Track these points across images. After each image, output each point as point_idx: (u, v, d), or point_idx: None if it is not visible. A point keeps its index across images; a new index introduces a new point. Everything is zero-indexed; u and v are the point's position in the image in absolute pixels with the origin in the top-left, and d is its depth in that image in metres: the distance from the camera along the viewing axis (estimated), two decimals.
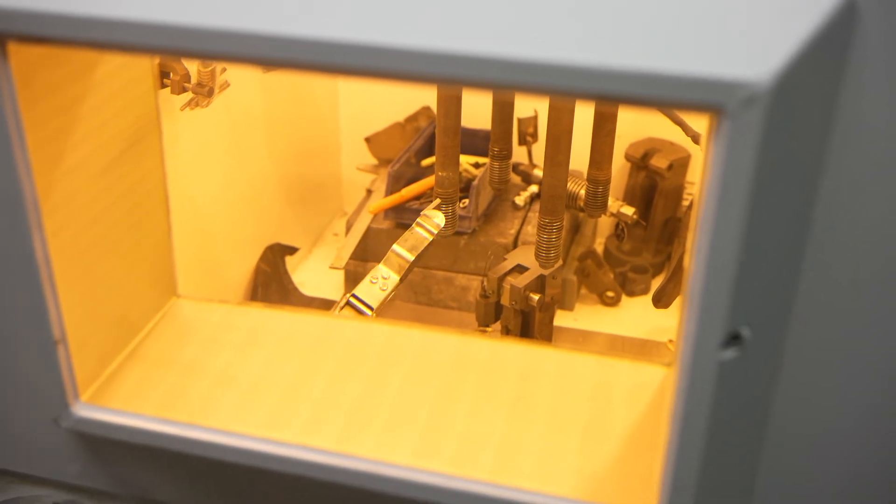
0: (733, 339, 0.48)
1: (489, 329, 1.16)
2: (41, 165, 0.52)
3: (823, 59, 0.44)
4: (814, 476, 0.53)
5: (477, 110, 1.25)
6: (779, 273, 0.48)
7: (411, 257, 1.04)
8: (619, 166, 1.42)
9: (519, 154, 1.42)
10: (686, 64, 0.43)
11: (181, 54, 0.56)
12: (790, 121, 0.44)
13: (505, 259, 1.14)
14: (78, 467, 0.69)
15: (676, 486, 0.51)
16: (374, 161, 1.49)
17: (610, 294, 1.39)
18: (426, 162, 1.38)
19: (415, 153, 1.38)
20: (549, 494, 0.55)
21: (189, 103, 1.02)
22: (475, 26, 0.46)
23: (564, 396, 0.60)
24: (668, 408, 0.51)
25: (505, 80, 0.44)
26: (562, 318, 1.37)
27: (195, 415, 0.59)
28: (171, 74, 0.97)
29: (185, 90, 0.99)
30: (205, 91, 0.99)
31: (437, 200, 1.05)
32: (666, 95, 0.43)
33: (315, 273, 1.44)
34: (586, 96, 0.45)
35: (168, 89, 0.98)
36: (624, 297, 1.41)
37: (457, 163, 1.04)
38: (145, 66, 0.58)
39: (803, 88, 0.43)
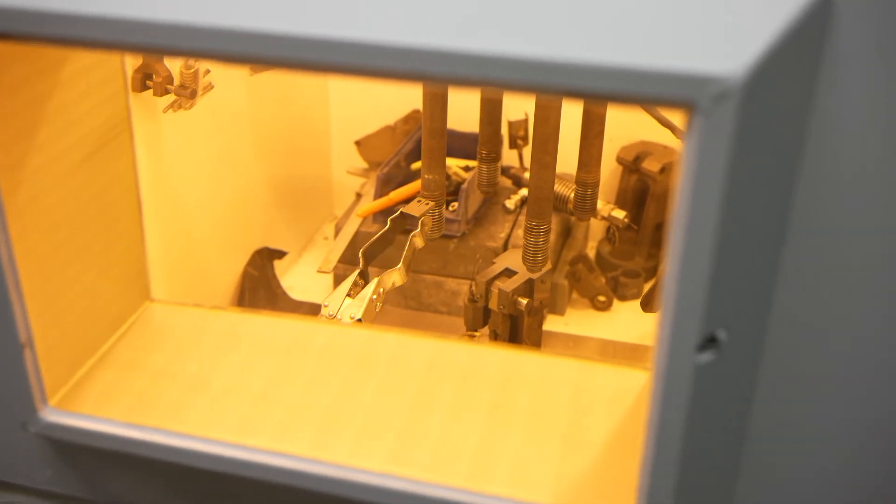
0: (709, 341, 0.47)
1: (477, 334, 1.15)
2: (6, 165, 0.51)
3: (798, 54, 0.43)
4: (794, 482, 0.52)
5: (466, 112, 1.24)
6: (755, 274, 0.47)
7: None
8: (610, 169, 1.41)
9: (510, 157, 1.41)
10: (657, 58, 0.42)
11: (151, 51, 0.55)
12: (764, 117, 0.43)
13: (493, 263, 1.13)
14: (50, 473, 0.68)
15: (653, 493, 0.50)
16: (365, 164, 1.48)
17: (601, 298, 1.38)
18: (416, 165, 1.37)
19: (405, 156, 1.37)
20: (526, 502, 0.54)
21: (172, 105, 1.01)
22: (440, 20, 0.45)
23: (544, 402, 0.58)
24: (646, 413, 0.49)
25: (469, 75, 0.43)
26: (552, 323, 1.36)
27: (166, 420, 0.58)
28: (154, 76, 0.96)
29: (167, 92, 0.98)
30: (187, 93, 0.98)
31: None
32: (636, 91, 0.42)
33: (304, 277, 1.43)
34: (554, 91, 0.44)
35: (150, 91, 0.97)
36: (616, 302, 1.40)
37: (443, 165, 1.02)
38: (116, 66, 0.57)
39: (777, 84, 0.42)
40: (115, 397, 0.59)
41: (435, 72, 0.45)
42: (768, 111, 0.43)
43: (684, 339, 0.47)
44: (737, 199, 0.44)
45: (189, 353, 0.61)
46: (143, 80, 0.96)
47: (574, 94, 0.44)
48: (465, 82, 0.46)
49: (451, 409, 0.58)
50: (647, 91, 0.42)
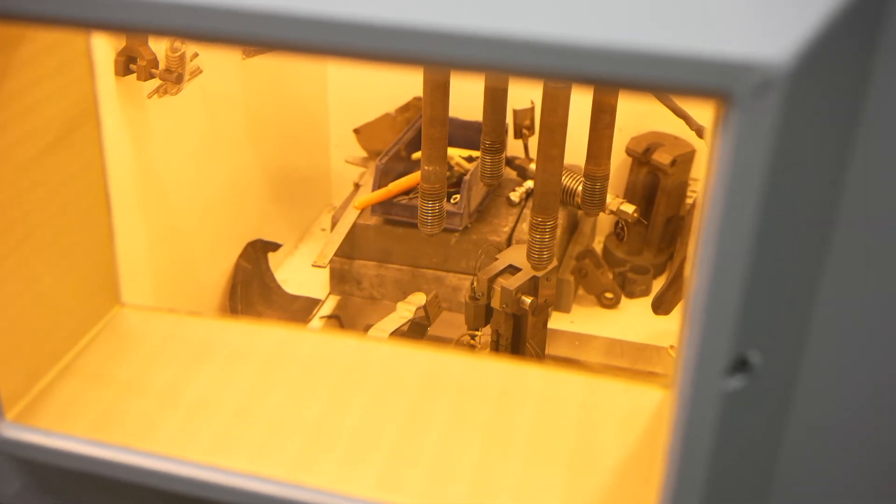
0: (740, 364, 0.42)
1: (479, 333, 1.10)
2: None
3: (850, 39, 0.37)
4: None
5: (470, 100, 1.18)
6: (794, 289, 0.41)
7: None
8: (619, 161, 1.36)
9: (515, 148, 1.36)
10: (688, 42, 0.36)
11: (124, 29, 0.50)
12: (810, 110, 0.37)
13: (496, 259, 1.07)
14: (18, 486, 0.62)
15: None
16: (364, 153, 1.43)
17: (608, 295, 1.33)
18: (417, 155, 1.32)
19: (405, 146, 1.31)
20: None
21: (157, 90, 0.95)
22: (457, 1, 0.39)
23: (548, 422, 0.53)
24: (665, 440, 0.44)
25: (489, 59, 0.38)
26: (557, 321, 1.31)
27: (133, 437, 0.53)
28: (138, 59, 0.91)
29: (152, 76, 0.92)
30: (173, 77, 0.92)
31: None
32: (662, 78, 0.36)
33: (300, 270, 1.38)
34: (567, 78, 0.38)
35: (134, 75, 0.92)
36: (623, 299, 1.35)
37: (444, 156, 0.97)
38: (80, 47, 0.51)
39: (826, 72, 0.36)
40: (79, 411, 0.54)
41: (437, 54, 0.39)
42: (816, 105, 0.37)
43: (712, 361, 0.41)
44: (776, 204, 0.38)
45: (161, 364, 0.56)
46: (127, 64, 0.91)
47: (589, 80, 0.38)
48: (472, 67, 0.40)
49: (447, 429, 0.53)
50: (675, 79, 0.37)
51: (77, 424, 0.54)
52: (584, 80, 0.38)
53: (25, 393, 0.54)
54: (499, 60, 0.39)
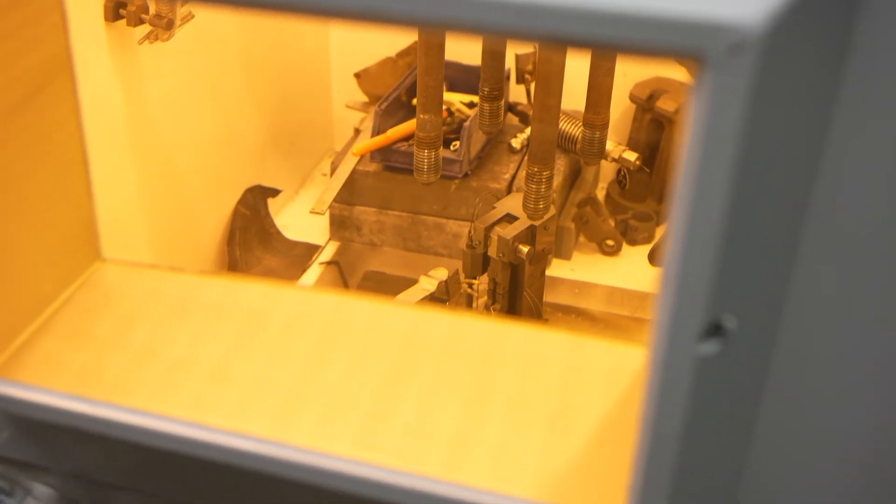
0: (715, 329, 0.41)
1: (476, 281, 1.09)
2: None
3: (829, 1, 0.35)
4: (803, 485, 0.46)
5: (472, 44, 1.16)
6: (770, 254, 0.40)
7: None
8: (623, 108, 1.34)
9: (517, 93, 1.34)
10: (663, 3, 0.35)
11: None
12: (787, 73, 0.36)
13: (494, 207, 1.06)
14: (4, 437, 0.63)
15: (646, 496, 0.44)
16: (365, 98, 1.41)
17: (610, 243, 1.32)
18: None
19: (405, 91, 1.29)
20: (505, 495, 0.48)
21: (148, 37, 0.93)
22: None
23: (530, 382, 0.53)
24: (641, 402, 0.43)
25: (457, 18, 0.36)
26: (558, 268, 1.30)
27: (113, 393, 0.53)
28: (128, 5, 0.89)
29: (142, 22, 0.91)
30: (163, 23, 0.91)
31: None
32: (636, 39, 0.35)
33: (301, 216, 1.37)
34: (544, 38, 0.37)
35: (124, 21, 0.90)
36: (625, 246, 1.34)
37: (440, 105, 0.95)
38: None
39: (804, 35, 0.35)
40: (59, 366, 0.54)
41: (412, 14, 0.38)
42: (793, 67, 0.36)
43: (685, 325, 0.41)
44: (751, 167, 0.37)
45: (141, 319, 0.55)
46: (116, 9, 0.89)
47: (562, 41, 0.37)
48: (439, 24, 0.39)
49: (427, 389, 0.52)
50: (650, 40, 0.35)
51: (58, 379, 0.54)
52: (557, 41, 0.37)
53: (6, 348, 0.54)
54: (468, 20, 0.38)
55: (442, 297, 1.09)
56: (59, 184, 0.54)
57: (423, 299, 1.06)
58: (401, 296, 1.11)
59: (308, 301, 0.57)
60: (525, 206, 0.95)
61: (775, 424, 0.44)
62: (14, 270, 0.52)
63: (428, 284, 1.05)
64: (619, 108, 1.33)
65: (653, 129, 1.30)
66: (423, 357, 0.54)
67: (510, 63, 1.25)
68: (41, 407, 0.54)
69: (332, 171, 1.26)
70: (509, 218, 1.04)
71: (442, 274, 1.06)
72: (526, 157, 1.27)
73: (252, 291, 0.56)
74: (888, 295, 0.40)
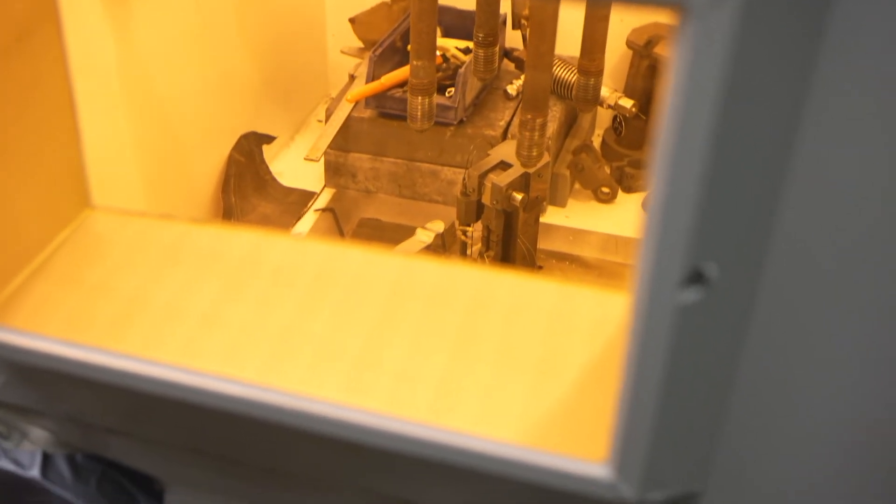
0: (696, 277, 0.41)
1: (470, 229, 1.10)
2: None
3: None
4: (783, 433, 0.47)
5: None
6: (753, 204, 0.41)
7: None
8: (620, 54, 1.33)
9: (513, 38, 1.33)
10: None
11: None
12: (772, 23, 0.35)
13: (488, 155, 1.06)
14: (1, 381, 0.63)
15: (627, 441, 0.45)
16: (360, 44, 1.40)
17: (605, 190, 1.32)
18: None
19: (400, 36, 1.28)
20: (490, 439, 0.49)
21: None
22: None
23: (517, 329, 0.53)
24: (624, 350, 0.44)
25: None
26: (553, 216, 1.30)
27: (104, 339, 0.53)
28: None
29: None
30: None
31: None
32: None
33: (296, 162, 1.37)
34: None
35: None
36: (620, 193, 1.34)
37: (433, 51, 0.95)
38: None
39: None
40: (51, 312, 0.54)
41: None
42: (778, 18, 0.36)
43: (667, 272, 0.41)
44: (734, 117, 0.37)
45: (131, 267, 0.56)
46: None
47: None
48: None
49: (417, 335, 0.53)
50: None
51: (50, 325, 0.54)
52: None
53: None
54: None
55: (439, 250, 1.10)
56: (47, 132, 0.54)
57: (419, 252, 1.07)
58: (397, 248, 1.11)
59: (298, 249, 0.57)
60: (518, 154, 0.95)
61: (756, 373, 0.45)
62: (4, 218, 0.53)
63: (425, 237, 1.05)
64: (617, 54, 1.32)
65: (650, 75, 1.29)
66: (412, 304, 0.54)
67: (506, 8, 1.24)
68: (34, 353, 0.54)
69: (327, 117, 1.26)
70: (503, 165, 1.04)
71: (438, 227, 1.07)
72: (521, 104, 1.27)
73: (242, 239, 0.57)
74: (867, 246, 0.41)
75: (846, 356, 0.43)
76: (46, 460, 0.64)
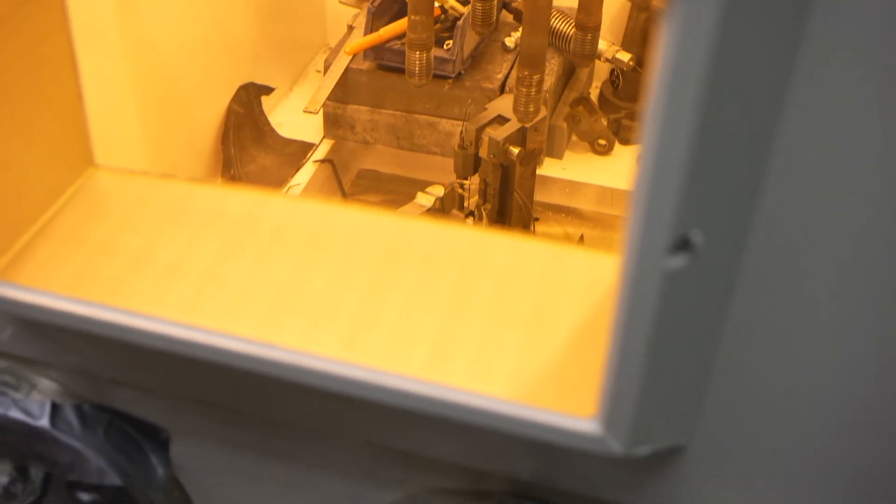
0: (683, 244, 0.43)
1: (468, 182, 1.11)
2: None
3: None
4: (767, 390, 0.49)
5: None
6: (738, 172, 0.42)
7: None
8: (618, 6, 1.33)
9: None
10: None
11: None
12: None
13: (486, 108, 1.07)
14: (9, 333, 0.65)
15: (615, 398, 0.47)
16: None
17: (602, 142, 1.33)
18: None
19: None
20: (483, 395, 0.51)
21: None
22: None
23: (509, 289, 0.55)
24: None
25: None
26: (550, 167, 1.31)
27: (109, 295, 0.55)
28: None
29: None
30: None
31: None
32: None
33: (295, 114, 1.38)
34: None
35: None
36: (617, 146, 1.34)
37: (431, 5, 0.95)
38: None
39: None
40: (57, 270, 0.56)
41: None
42: None
43: (654, 238, 0.43)
44: (721, 89, 0.39)
45: (134, 226, 0.57)
46: None
47: None
48: None
49: (411, 294, 0.54)
50: None
51: (56, 282, 0.56)
52: None
53: (6, 252, 0.56)
54: None
55: (438, 213, 1.11)
56: (51, 92, 0.55)
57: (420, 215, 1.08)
58: (399, 211, 1.12)
59: (296, 209, 0.58)
60: (515, 110, 0.96)
61: (739, 334, 0.46)
62: (9, 179, 0.54)
63: (425, 200, 1.06)
64: (615, 6, 1.32)
65: (648, 28, 1.29)
66: (407, 264, 0.56)
67: None
68: (41, 308, 0.56)
69: (326, 68, 1.26)
70: (500, 119, 1.05)
71: (438, 191, 1.08)
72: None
73: (242, 199, 0.58)
74: (849, 214, 0.42)
75: (827, 317, 0.45)
76: (55, 410, 0.66)
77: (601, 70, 1.41)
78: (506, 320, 0.53)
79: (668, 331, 0.44)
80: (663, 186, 0.41)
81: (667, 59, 0.39)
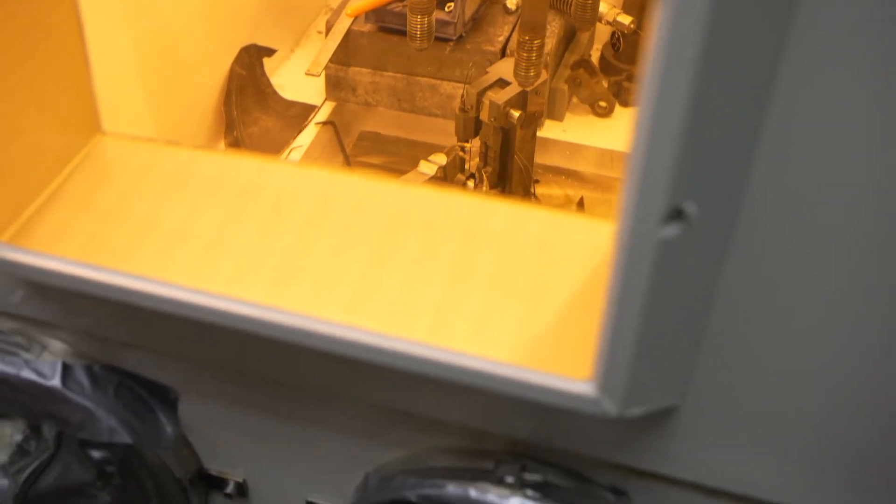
0: (676, 214, 0.44)
1: (468, 145, 1.12)
2: None
3: None
4: (758, 353, 0.50)
5: None
6: (732, 145, 0.43)
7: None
8: None
9: None
10: None
11: None
12: None
13: (486, 72, 1.08)
14: (20, 297, 0.67)
15: (610, 361, 0.49)
16: None
17: (602, 104, 1.33)
18: None
19: None
20: (483, 358, 0.53)
21: None
22: None
23: (509, 256, 0.56)
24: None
25: None
26: (550, 130, 1.32)
27: (117, 261, 0.56)
28: None
29: None
30: None
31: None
32: None
33: (297, 75, 1.38)
34: None
35: None
36: (618, 108, 1.35)
37: None
38: None
39: None
40: (66, 236, 0.57)
41: None
42: None
43: (649, 208, 0.44)
44: (715, 61, 0.40)
45: (140, 192, 0.58)
46: None
47: None
48: None
49: (414, 261, 0.56)
50: None
51: (66, 247, 0.57)
52: None
53: (17, 218, 0.57)
54: None
55: (440, 182, 1.12)
56: (59, 61, 0.56)
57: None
58: (402, 179, 1.13)
59: (299, 176, 0.59)
60: (516, 74, 0.97)
61: (731, 301, 0.48)
62: (20, 147, 0.55)
63: (427, 169, 1.07)
64: None
65: None
66: (408, 232, 0.57)
67: None
68: (51, 272, 0.57)
69: (328, 30, 1.26)
70: (501, 83, 1.05)
71: (441, 159, 1.09)
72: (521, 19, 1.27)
73: (245, 166, 0.59)
74: (840, 186, 0.43)
75: (815, 284, 0.46)
76: (66, 370, 0.67)
77: (602, 32, 1.41)
78: (506, 286, 0.55)
79: (662, 297, 0.46)
80: (657, 159, 0.42)
81: (662, 31, 0.40)
